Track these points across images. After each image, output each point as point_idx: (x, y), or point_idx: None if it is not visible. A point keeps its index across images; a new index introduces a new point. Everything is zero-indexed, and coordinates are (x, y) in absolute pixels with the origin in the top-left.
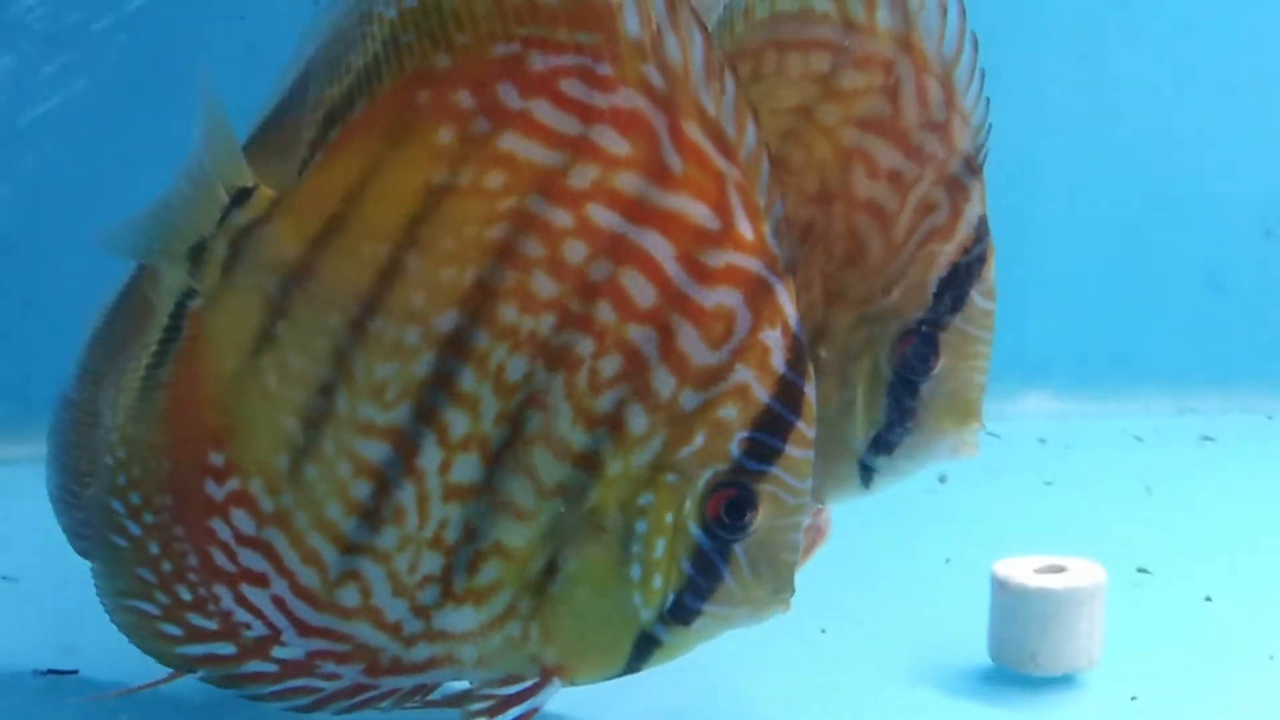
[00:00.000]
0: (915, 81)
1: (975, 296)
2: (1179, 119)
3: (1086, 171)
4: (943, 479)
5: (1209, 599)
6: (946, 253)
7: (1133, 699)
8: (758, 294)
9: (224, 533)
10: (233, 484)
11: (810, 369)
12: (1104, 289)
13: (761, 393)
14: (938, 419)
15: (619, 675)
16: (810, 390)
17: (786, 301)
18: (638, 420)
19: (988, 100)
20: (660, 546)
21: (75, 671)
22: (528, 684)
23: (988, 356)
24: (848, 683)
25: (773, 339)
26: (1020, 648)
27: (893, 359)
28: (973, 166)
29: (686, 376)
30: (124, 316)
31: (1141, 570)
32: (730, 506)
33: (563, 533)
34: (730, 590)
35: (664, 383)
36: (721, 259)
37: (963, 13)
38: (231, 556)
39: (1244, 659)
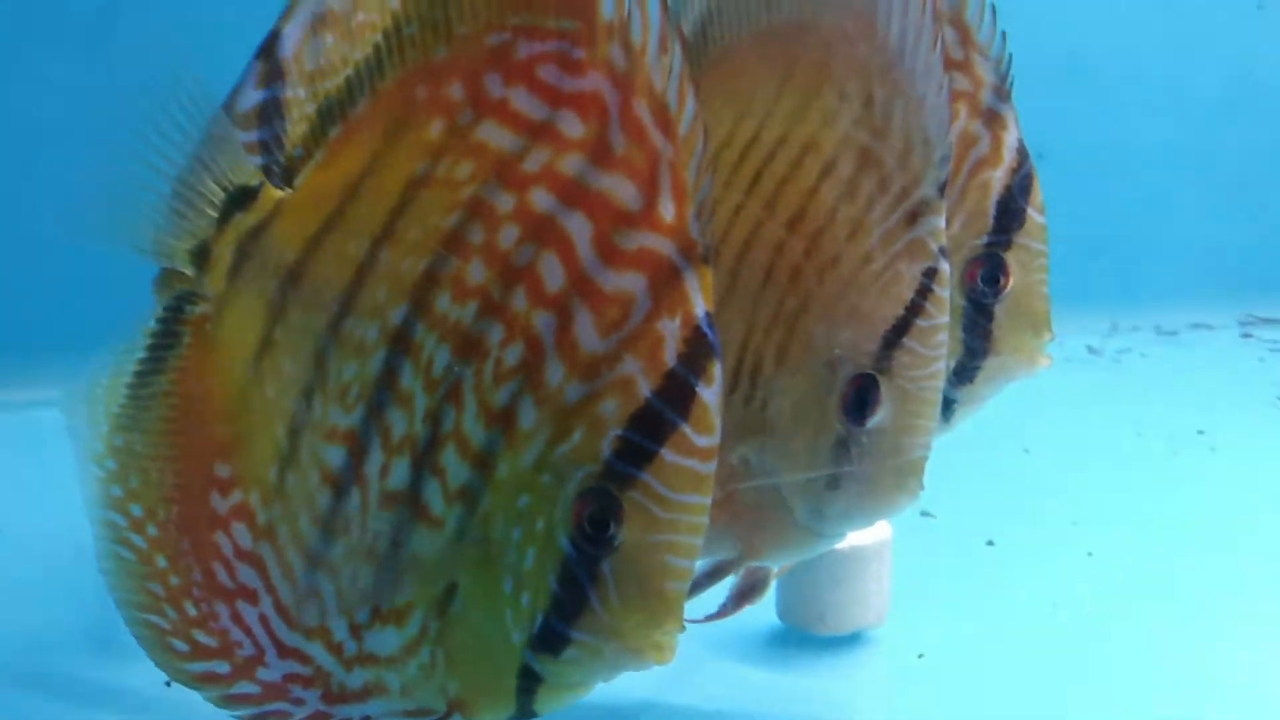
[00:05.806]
0: None
1: (1031, 212)
2: None
3: None
4: None
5: (991, 543)
6: (998, 178)
7: (920, 656)
8: (663, 279)
9: (226, 547)
10: (236, 496)
11: (714, 368)
12: None
13: (644, 387)
14: (1014, 337)
15: (514, 716)
16: (708, 392)
17: (695, 289)
18: (528, 415)
19: (1004, 33)
20: (530, 557)
21: None
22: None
23: (1048, 269)
24: None
25: (668, 329)
26: (808, 608)
27: (964, 287)
28: (1002, 95)
29: (575, 366)
30: None
31: (925, 514)
32: (592, 514)
33: (464, 544)
34: (596, 616)
35: (554, 373)
36: (635, 241)
37: None
38: (231, 572)
39: (1027, 609)
